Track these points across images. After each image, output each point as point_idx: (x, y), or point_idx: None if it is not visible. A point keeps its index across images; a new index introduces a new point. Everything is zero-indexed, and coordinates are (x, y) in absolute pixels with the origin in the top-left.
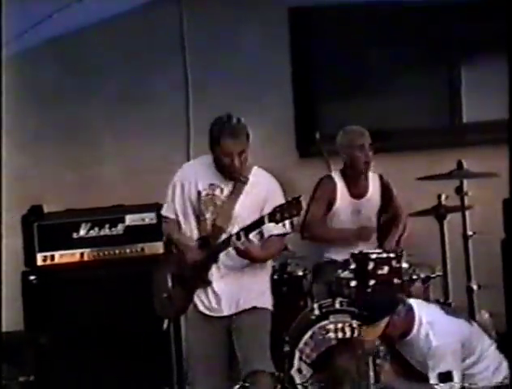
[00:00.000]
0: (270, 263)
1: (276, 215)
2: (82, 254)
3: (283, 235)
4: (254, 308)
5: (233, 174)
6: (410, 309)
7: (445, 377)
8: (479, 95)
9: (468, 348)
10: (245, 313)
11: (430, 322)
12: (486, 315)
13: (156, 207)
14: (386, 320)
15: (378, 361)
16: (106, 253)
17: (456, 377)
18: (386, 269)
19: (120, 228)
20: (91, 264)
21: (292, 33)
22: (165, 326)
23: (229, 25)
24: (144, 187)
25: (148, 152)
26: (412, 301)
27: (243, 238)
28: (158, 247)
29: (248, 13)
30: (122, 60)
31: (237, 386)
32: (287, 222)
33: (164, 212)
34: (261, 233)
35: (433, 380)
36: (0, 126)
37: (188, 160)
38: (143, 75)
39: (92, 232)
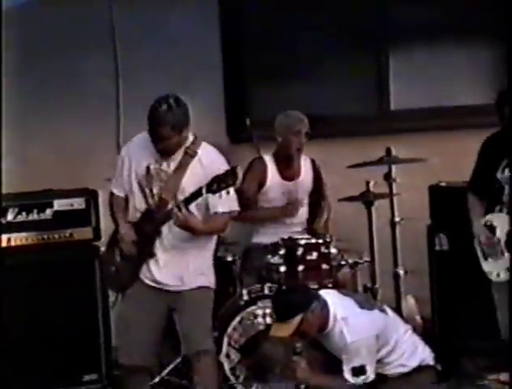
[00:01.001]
0: (214, 242)
1: (213, 184)
2: (9, 239)
3: (228, 213)
4: (199, 287)
5: (163, 156)
6: (324, 305)
7: (359, 370)
8: (406, 82)
9: (383, 339)
10: (188, 291)
11: (344, 319)
12: (411, 300)
13: (85, 193)
14: (299, 318)
15: (295, 358)
16: (34, 238)
17: (369, 370)
18: (314, 255)
19: (48, 213)
20: (19, 249)
21: (223, 19)
22: (113, 299)
23: (160, 12)
24: (74, 171)
25: (79, 137)
26: (327, 297)
27: (183, 209)
28: (87, 232)
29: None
30: (54, 45)
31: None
32: (223, 192)
33: (111, 187)
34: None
35: (346, 374)
36: (0, 126)
37: (118, 143)
38: (75, 59)
39: (20, 217)
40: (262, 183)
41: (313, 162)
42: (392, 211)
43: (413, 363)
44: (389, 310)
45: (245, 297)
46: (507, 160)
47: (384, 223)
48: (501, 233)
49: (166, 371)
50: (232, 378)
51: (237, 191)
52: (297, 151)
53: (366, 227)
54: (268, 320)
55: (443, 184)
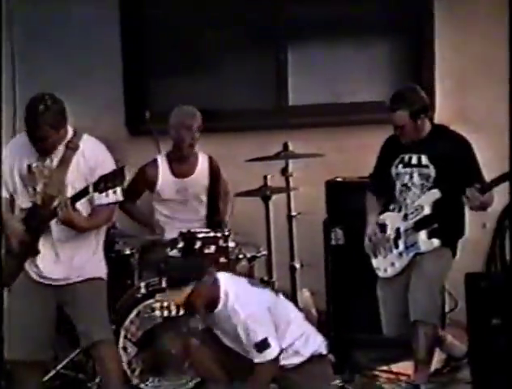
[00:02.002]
0: (102, 233)
1: (100, 184)
2: None
3: (113, 204)
4: (88, 279)
5: (41, 154)
6: (216, 281)
7: (262, 345)
8: (304, 79)
9: (275, 316)
10: (78, 284)
11: (236, 294)
12: (307, 293)
13: None
14: (190, 286)
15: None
16: None
17: (273, 343)
18: (212, 248)
19: None
20: None
21: (123, 12)
22: None
23: (61, 3)
24: None
25: None
26: (219, 275)
27: (69, 208)
28: None
29: None
30: None
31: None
32: (110, 191)
33: None
34: (91, 202)
35: (251, 353)
36: (0, 126)
37: (14, 135)
38: None
39: None
40: (152, 184)
41: (210, 159)
42: (289, 206)
43: (307, 352)
44: (281, 295)
45: (143, 290)
46: (401, 156)
47: (281, 217)
48: (391, 231)
49: (61, 365)
50: (128, 371)
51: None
52: (189, 147)
53: (264, 221)
54: (165, 313)
55: (339, 179)
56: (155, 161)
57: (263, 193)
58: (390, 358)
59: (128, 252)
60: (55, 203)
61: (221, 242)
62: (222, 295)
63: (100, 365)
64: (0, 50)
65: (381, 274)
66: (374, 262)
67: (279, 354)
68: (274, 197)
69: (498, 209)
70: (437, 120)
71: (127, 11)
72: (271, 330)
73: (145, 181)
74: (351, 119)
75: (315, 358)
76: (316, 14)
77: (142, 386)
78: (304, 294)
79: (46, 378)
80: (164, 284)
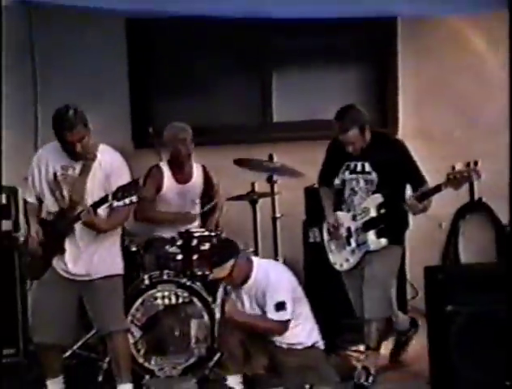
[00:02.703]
0: (119, 233)
1: (118, 194)
2: None
3: (129, 204)
4: (106, 276)
5: (78, 158)
6: (249, 258)
7: (280, 306)
8: (287, 98)
9: (295, 292)
10: (98, 281)
11: (268, 264)
12: None
13: (6, 189)
14: (231, 262)
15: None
16: None
17: (289, 307)
18: (207, 245)
19: None
20: None
21: (129, 41)
22: (28, 285)
23: (74, 32)
24: None
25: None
26: (253, 257)
27: (91, 213)
28: (7, 225)
29: (91, 20)
30: None
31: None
32: (127, 199)
33: (25, 196)
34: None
35: (269, 311)
36: (0, 126)
37: (36, 148)
38: None
39: None
40: (159, 187)
41: (203, 168)
42: (273, 209)
43: (309, 341)
44: None
45: (147, 282)
46: (347, 163)
47: (266, 218)
48: (342, 229)
49: (76, 346)
50: (134, 351)
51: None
52: (187, 157)
53: (251, 222)
54: (166, 301)
55: (316, 186)
56: (158, 167)
57: (251, 197)
58: (359, 339)
59: (134, 249)
60: (79, 209)
61: (214, 240)
62: (255, 267)
63: (113, 351)
64: (0, 51)
65: (338, 268)
66: (331, 257)
67: (289, 321)
68: (260, 201)
69: (452, 211)
70: (401, 135)
71: (133, 40)
72: (290, 299)
73: (154, 183)
74: (326, 134)
75: (313, 350)
76: (297, 45)
77: (146, 364)
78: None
79: (64, 356)
80: (165, 277)
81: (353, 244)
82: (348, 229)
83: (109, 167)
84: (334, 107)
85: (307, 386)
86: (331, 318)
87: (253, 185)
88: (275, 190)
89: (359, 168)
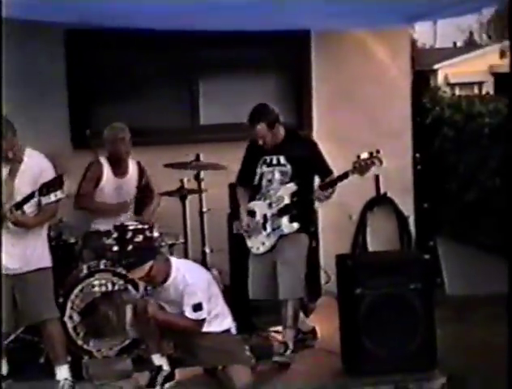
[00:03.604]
0: (46, 228)
1: (43, 190)
2: None
3: (56, 201)
4: (37, 269)
5: (7, 162)
6: (167, 259)
7: (197, 307)
8: (213, 103)
9: (210, 291)
10: (29, 274)
11: (185, 266)
12: (216, 272)
13: None
14: (149, 264)
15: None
16: None
17: (205, 308)
18: (141, 237)
19: None
20: None
21: (67, 48)
22: None
23: (16, 40)
24: None
25: None
26: (171, 258)
27: (14, 212)
28: None
29: (32, 30)
30: None
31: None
32: (52, 194)
33: None
34: (40, 202)
35: (187, 311)
36: (0, 125)
37: None
38: None
39: None
40: (99, 180)
41: (138, 163)
42: (201, 203)
43: (222, 327)
44: (214, 271)
45: (85, 271)
46: (264, 158)
47: (194, 212)
48: (259, 217)
49: (18, 331)
50: (74, 335)
51: (79, 187)
52: (126, 154)
53: (181, 215)
54: (103, 289)
55: None
56: (98, 162)
57: (180, 193)
58: (279, 321)
59: (73, 241)
60: (4, 209)
61: (148, 233)
62: (174, 269)
63: (48, 337)
64: (0, 52)
65: (255, 251)
66: (249, 242)
67: (205, 319)
68: (189, 197)
69: (361, 205)
70: (315, 138)
71: (71, 44)
72: (206, 298)
73: (94, 176)
74: (247, 136)
75: (226, 334)
76: (221, 54)
77: (85, 346)
78: (214, 273)
79: (6, 341)
80: (101, 266)
81: (269, 229)
82: (264, 216)
83: (36, 169)
84: None
85: (220, 367)
86: (253, 301)
87: (182, 182)
88: (202, 186)
89: (274, 161)
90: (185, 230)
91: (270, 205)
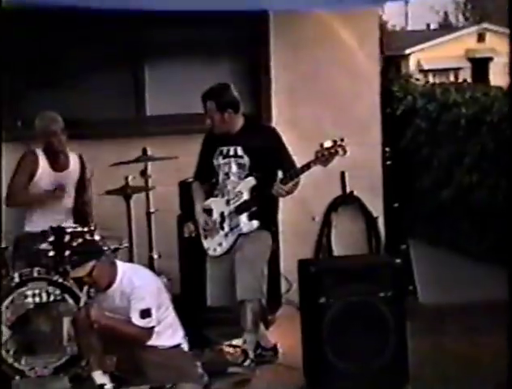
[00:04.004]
0: None
1: None
2: None
3: None
4: None
5: None
6: (113, 262)
7: (145, 313)
8: (161, 92)
9: (160, 299)
10: None
11: (132, 269)
12: (164, 280)
13: None
14: (91, 264)
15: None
16: None
17: (154, 314)
18: (80, 241)
19: None
20: None
21: None
22: None
23: None
24: None
25: None
26: (118, 261)
27: None
28: None
29: None
30: None
31: None
32: None
33: None
34: None
35: (134, 317)
36: (0, 125)
37: None
38: None
39: None
40: (33, 174)
41: (80, 156)
42: (147, 203)
43: (172, 342)
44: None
45: (16, 280)
46: (220, 148)
47: (141, 213)
48: (216, 215)
49: None
50: (3, 352)
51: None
52: (61, 147)
53: (126, 217)
54: (37, 299)
55: (190, 180)
56: (33, 153)
57: (125, 192)
58: (235, 333)
59: (3, 246)
60: None
61: (88, 236)
62: (120, 272)
63: None
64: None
65: (211, 253)
66: (204, 243)
67: (154, 328)
68: (134, 196)
69: (325, 204)
70: None
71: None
72: (155, 305)
73: (28, 169)
74: (200, 128)
75: (176, 349)
76: (170, 36)
77: (16, 364)
78: (162, 281)
79: None
80: (35, 274)
81: (226, 228)
82: (222, 214)
83: None
84: None
85: (168, 386)
86: (206, 312)
87: (126, 179)
88: (150, 184)
89: (231, 152)
90: (130, 233)
91: (227, 202)
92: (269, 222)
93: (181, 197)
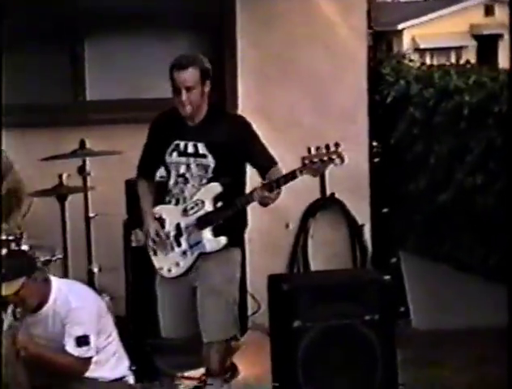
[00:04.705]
0: None
1: None
2: None
3: None
4: None
5: None
6: (47, 279)
7: (83, 340)
8: (104, 73)
9: (101, 323)
10: None
11: (69, 288)
12: (107, 298)
13: None
14: (21, 280)
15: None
16: None
17: (92, 341)
18: (4, 251)
19: None
20: None
21: None
22: None
23: None
24: None
25: None
26: (52, 277)
27: None
28: None
29: None
30: None
31: None
32: None
33: None
34: None
35: (69, 345)
36: (0, 126)
37: None
38: None
39: None
40: None
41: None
42: (86, 206)
43: (114, 374)
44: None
45: None
46: (175, 142)
47: (78, 218)
48: (170, 227)
49: None
50: None
51: None
52: None
53: (59, 222)
54: None
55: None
56: None
57: (59, 192)
58: (191, 363)
59: None
60: None
61: (13, 246)
62: (54, 290)
63: None
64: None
65: (165, 274)
66: (155, 261)
67: (91, 358)
68: (70, 197)
69: (301, 209)
70: None
71: None
72: (95, 330)
73: None
74: (152, 115)
75: (120, 383)
76: (115, 6)
77: None
78: (103, 299)
79: None
80: None
81: (184, 245)
82: (177, 227)
83: None
84: (162, 83)
85: None
86: (158, 338)
87: (60, 177)
88: (89, 183)
89: (190, 149)
90: (65, 242)
91: (185, 211)
92: (239, 236)
93: (127, 199)
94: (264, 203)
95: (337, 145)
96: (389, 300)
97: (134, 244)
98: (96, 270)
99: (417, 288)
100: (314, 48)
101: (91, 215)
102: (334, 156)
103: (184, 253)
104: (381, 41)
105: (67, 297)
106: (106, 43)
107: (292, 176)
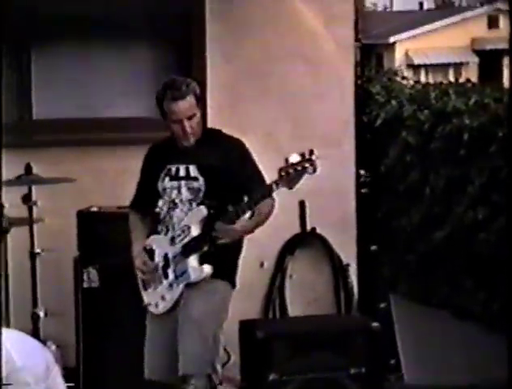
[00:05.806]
0: None
1: None
2: None
3: None
4: None
5: None
6: None
7: None
8: (53, 89)
9: (48, 378)
10: None
11: (11, 340)
12: (53, 347)
13: None
14: None
15: None
16: None
17: None
18: None
19: None
20: None
21: None
22: None
23: None
24: None
25: None
26: None
27: None
28: None
29: None
30: None
31: None
32: None
33: None
34: None
35: None
36: (0, 126)
37: None
38: None
39: None
40: None
41: None
42: (32, 241)
43: None
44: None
45: None
46: (168, 167)
47: (22, 254)
48: (159, 258)
49: None
50: None
51: None
52: None
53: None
54: None
55: (94, 209)
56: None
57: None
58: None
59: None
60: None
61: None
62: None
63: None
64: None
65: (153, 310)
66: (145, 296)
67: None
68: (13, 230)
69: (277, 245)
70: None
71: None
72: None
73: None
74: (108, 137)
75: None
76: (68, 14)
77: None
78: (50, 348)
79: None
80: None
81: (171, 276)
82: (165, 257)
83: None
84: (124, 102)
85: None
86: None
87: (1, 207)
88: (35, 214)
89: (182, 172)
90: (7, 281)
91: (172, 240)
92: (229, 268)
93: (79, 232)
94: (223, 237)
95: (311, 153)
96: (377, 351)
97: (86, 285)
98: (41, 314)
99: (410, 338)
100: (294, 62)
101: (37, 251)
102: (306, 165)
103: (170, 285)
104: (371, 56)
105: (11, 354)
106: (56, 54)
107: (268, 191)
